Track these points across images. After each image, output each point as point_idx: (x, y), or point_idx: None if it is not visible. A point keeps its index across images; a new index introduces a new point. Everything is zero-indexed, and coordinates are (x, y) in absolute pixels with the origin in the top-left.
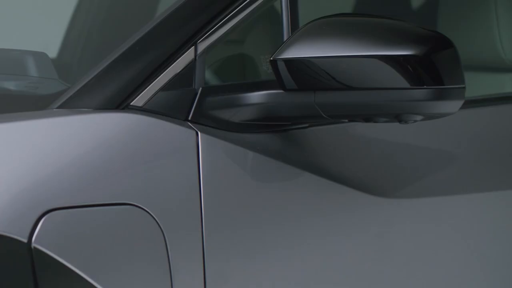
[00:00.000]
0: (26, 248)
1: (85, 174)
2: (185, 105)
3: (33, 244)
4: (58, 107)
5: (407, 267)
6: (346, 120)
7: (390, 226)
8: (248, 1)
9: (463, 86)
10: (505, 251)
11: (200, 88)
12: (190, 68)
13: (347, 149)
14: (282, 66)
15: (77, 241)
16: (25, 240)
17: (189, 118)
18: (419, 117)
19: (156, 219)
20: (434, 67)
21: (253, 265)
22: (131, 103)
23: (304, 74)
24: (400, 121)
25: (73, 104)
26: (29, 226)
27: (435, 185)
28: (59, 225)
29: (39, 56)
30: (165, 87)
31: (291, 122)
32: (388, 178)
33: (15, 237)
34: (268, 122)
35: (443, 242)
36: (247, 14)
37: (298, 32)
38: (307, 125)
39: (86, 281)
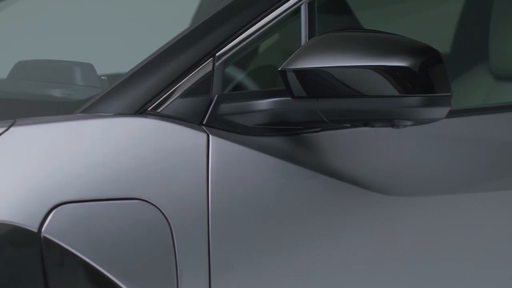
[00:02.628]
0: (36, 237)
1: (97, 171)
2: (200, 111)
3: (43, 234)
4: (81, 112)
5: (415, 263)
6: (348, 125)
7: (399, 224)
8: (266, 21)
9: (450, 94)
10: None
11: (216, 96)
12: (208, 77)
13: (357, 151)
14: (291, 76)
15: (85, 231)
16: (35, 230)
17: (204, 123)
18: (409, 123)
19: (164, 213)
20: (424, 77)
21: (258, 263)
22: (148, 109)
23: (309, 82)
24: (392, 126)
25: (95, 109)
26: (40, 218)
27: (440, 184)
28: (69, 217)
29: (86, 67)
30: (183, 95)
31: (297, 127)
32: (396, 177)
33: (26, 227)
34: (277, 127)
35: (449, 240)
36: (262, 31)
37: (305, 45)
38: (319, 129)
39: (93, 267)
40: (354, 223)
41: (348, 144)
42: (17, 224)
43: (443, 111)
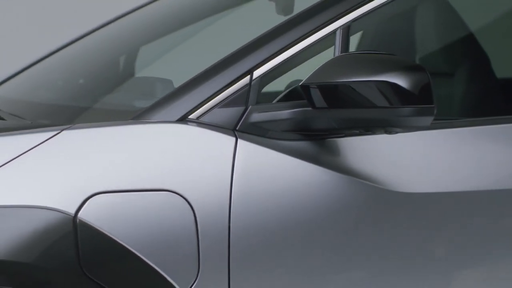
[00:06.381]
0: (72, 220)
1: (133, 167)
2: (234, 119)
3: (79, 217)
4: (132, 119)
5: (436, 258)
6: (357, 131)
7: (417, 219)
8: (302, 47)
9: (433, 105)
10: None
11: (250, 106)
12: (245, 91)
13: (378, 154)
14: (313, 90)
15: (118, 215)
16: (72, 214)
17: (237, 129)
18: (400, 130)
19: (191, 203)
20: (413, 91)
21: (275, 254)
22: (188, 117)
23: (325, 95)
24: (386, 132)
25: (143, 117)
26: (77, 204)
27: (455, 182)
28: (103, 204)
29: (165, 82)
30: (221, 105)
31: (318, 133)
32: (413, 176)
33: (64, 210)
34: (302, 133)
35: (465, 236)
36: (297, 54)
37: (322, 66)
38: (343, 134)
39: (122, 246)
40: (375, 220)
41: (369, 148)
42: (57, 210)
43: (428, 119)
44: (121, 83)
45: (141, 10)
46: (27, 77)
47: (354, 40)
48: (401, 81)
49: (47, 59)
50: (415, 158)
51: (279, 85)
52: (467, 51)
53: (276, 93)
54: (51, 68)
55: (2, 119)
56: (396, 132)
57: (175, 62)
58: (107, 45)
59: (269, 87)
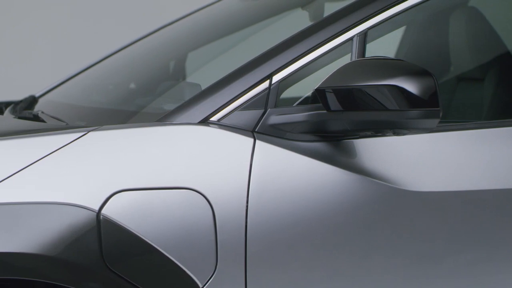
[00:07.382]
0: (95, 216)
1: (155, 166)
2: (254, 121)
3: (102, 213)
4: (157, 121)
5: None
6: (369, 133)
7: (425, 217)
8: (320, 53)
9: (439, 108)
10: None
11: (269, 109)
12: (264, 95)
13: (389, 155)
14: (328, 93)
15: (140, 211)
16: (96, 210)
17: (255, 130)
18: (407, 132)
19: (209, 200)
20: (420, 95)
21: (288, 250)
22: (210, 119)
23: (340, 99)
24: (394, 133)
25: (167, 119)
26: (101, 201)
27: (465, 181)
28: (126, 201)
29: (193, 86)
30: (241, 108)
31: (333, 134)
32: (420, 174)
33: (89, 207)
34: (318, 134)
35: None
36: (314, 60)
37: (336, 71)
38: (357, 136)
39: (143, 240)
40: (388, 217)
41: (382, 149)
42: (81, 206)
43: (434, 122)
44: (156, 88)
45: (186, 19)
46: (77, 82)
47: (371, 46)
48: (408, 85)
49: (97, 65)
50: (426, 159)
51: (298, 89)
52: (497, 58)
53: (296, 98)
54: (100, 74)
55: (43, 121)
56: (404, 134)
57: (218, 68)
58: (154, 52)
59: (290, 93)
